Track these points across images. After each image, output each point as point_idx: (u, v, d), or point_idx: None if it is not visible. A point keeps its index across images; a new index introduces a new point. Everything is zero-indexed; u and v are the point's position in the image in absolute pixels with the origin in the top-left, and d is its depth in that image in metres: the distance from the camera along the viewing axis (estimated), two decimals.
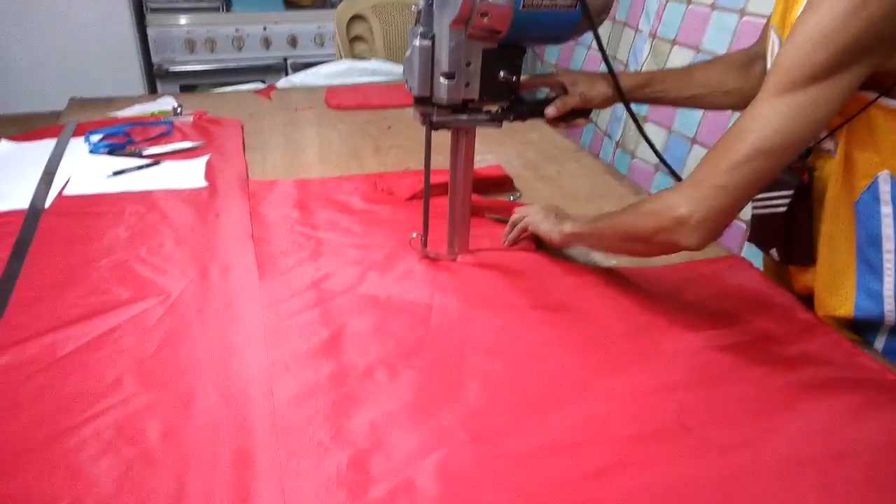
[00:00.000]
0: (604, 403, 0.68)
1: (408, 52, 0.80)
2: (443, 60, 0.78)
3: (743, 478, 0.59)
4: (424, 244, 0.92)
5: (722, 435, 0.64)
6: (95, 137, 1.35)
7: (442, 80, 0.79)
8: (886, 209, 0.73)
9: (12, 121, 2.40)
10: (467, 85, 0.80)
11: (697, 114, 1.58)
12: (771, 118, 0.66)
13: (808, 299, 0.85)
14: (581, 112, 0.92)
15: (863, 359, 0.75)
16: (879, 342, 0.79)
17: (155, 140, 1.38)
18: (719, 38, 1.49)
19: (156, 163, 1.25)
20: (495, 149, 1.41)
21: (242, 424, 0.64)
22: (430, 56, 0.79)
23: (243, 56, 2.85)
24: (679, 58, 1.62)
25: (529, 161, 1.36)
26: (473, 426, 0.65)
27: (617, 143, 1.87)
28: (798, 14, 0.68)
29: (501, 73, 0.81)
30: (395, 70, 1.99)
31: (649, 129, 1.73)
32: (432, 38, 0.78)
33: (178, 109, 1.54)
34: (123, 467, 0.59)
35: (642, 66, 1.75)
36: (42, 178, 1.17)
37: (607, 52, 0.85)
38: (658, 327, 0.80)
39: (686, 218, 0.70)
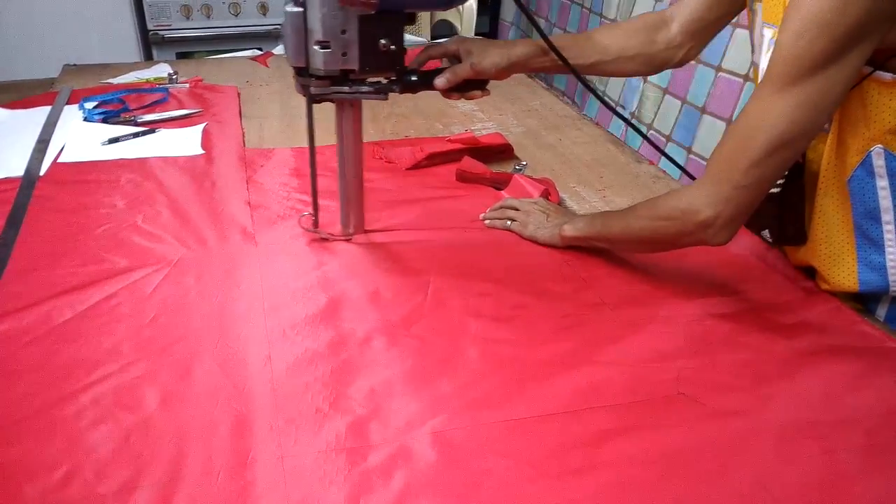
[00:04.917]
0: (602, 371, 0.68)
1: (282, 19, 0.76)
2: (316, 28, 0.73)
3: (742, 444, 0.59)
4: (315, 224, 0.88)
5: (721, 402, 0.64)
6: (90, 104, 1.33)
7: (317, 48, 0.74)
8: (882, 182, 0.73)
9: (5, 88, 2.37)
10: (345, 55, 0.75)
11: (705, 84, 1.55)
12: (782, 113, 0.66)
13: (805, 272, 0.84)
14: (476, 83, 0.85)
15: (864, 326, 0.75)
16: (881, 311, 0.79)
17: (150, 107, 1.36)
18: None
19: (151, 130, 1.24)
20: (495, 116, 1.40)
21: (241, 391, 0.64)
22: (302, 23, 0.73)
23: (240, 22, 2.80)
24: None
25: (530, 129, 1.34)
26: (471, 394, 0.65)
27: (632, 115, 1.84)
28: None
29: (382, 42, 0.75)
30: None
31: (667, 101, 1.71)
32: (304, 4, 0.73)
33: (174, 76, 1.52)
34: (122, 434, 0.59)
35: None
36: (36, 146, 1.16)
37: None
38: (657, 295, 0.80)
39: (711, 220, 0.71)
